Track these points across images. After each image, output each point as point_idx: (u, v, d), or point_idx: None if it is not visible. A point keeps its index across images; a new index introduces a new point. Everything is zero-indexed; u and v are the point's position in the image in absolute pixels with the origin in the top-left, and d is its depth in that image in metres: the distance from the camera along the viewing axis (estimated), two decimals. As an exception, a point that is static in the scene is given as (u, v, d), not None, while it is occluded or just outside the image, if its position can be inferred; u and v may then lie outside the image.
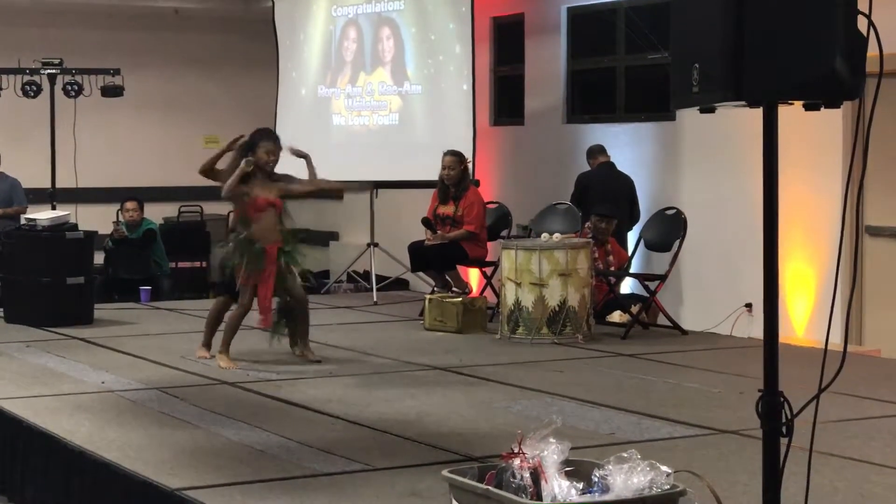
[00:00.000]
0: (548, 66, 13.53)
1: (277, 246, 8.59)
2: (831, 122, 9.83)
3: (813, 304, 10.54)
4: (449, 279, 11.37)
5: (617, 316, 11.00)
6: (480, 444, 6.22)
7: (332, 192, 9.11)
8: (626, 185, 11.90)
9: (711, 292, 11.48)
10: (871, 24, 3.76)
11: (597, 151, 12.14)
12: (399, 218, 13.79)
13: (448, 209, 11.26)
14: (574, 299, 9.76)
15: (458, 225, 11.17)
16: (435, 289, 11.34)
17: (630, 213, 11.78)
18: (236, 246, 8.63)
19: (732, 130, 10.83)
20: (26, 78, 13.97)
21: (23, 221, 11.75)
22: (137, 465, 5.82)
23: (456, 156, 11.31)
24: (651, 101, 12.43)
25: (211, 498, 5.29)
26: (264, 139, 8.71)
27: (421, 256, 11.35)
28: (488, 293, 11.43)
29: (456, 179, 11.22)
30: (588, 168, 12.17)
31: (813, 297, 10.53)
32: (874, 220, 10.23)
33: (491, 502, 4.20)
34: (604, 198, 11.30)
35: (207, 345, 9.07)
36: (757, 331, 9.96)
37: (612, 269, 10.78)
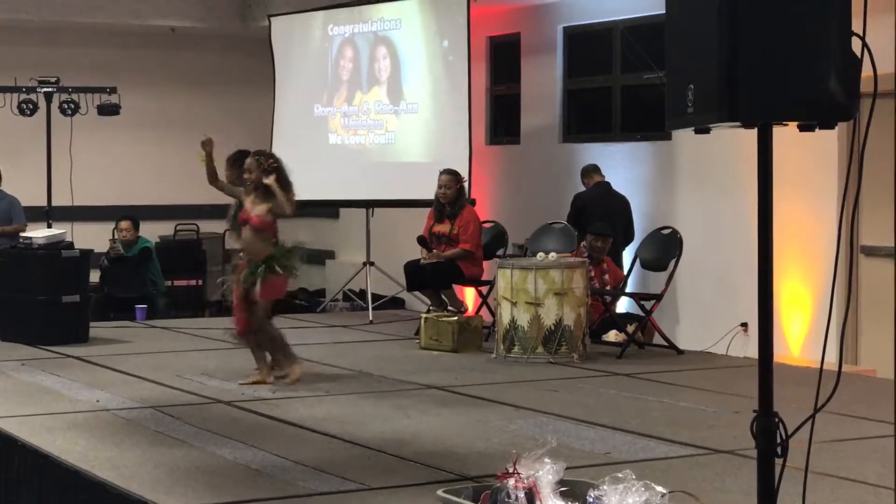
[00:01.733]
0: (544, 85, 13.56)
1: (247, 261, 8.61)
2: (826, 143, 9.85)
3: (808, 323, 10.54)
4: (445, 298, 11.37)
5: (613, 335, 10.99)
6: (475, 464, 6.21)
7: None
8: (621, 205, 11.92)
9: (707, 312, 11.48)
10: (864, 45, 3.77)
11: (591, 171, 12.16)
12: (395, 237, 13.79)
13: (444, 228, 11.26)
14: (570, 318, 9.75)
15: (454, 244, 11.17)
16: (431, 308, 11.33)
17: (625, 233, 11.79)
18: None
19: (728, 150, 10.85)
20: (23, 96, 14.00)
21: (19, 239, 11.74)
22: (132, 485, 5.80)
23: (452, 175, 11.33)
24: (647, 121, 12.44)
25: (205, 517, 5.29)
26: (247, 156, 8.90)
27: (417, 275, 11.34)
28: (484, 312, 11.43)
29: (452, 198, 11.23)
30: (583, 187, 12.18)
31: (808, 316, 10.54)
32: (869, 239, 10.24)
33: (486, 522, 4.19)
34: (600, 217, 11.31)
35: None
36: (753, 350, 9.92)
37: (608, 287, 10.78)
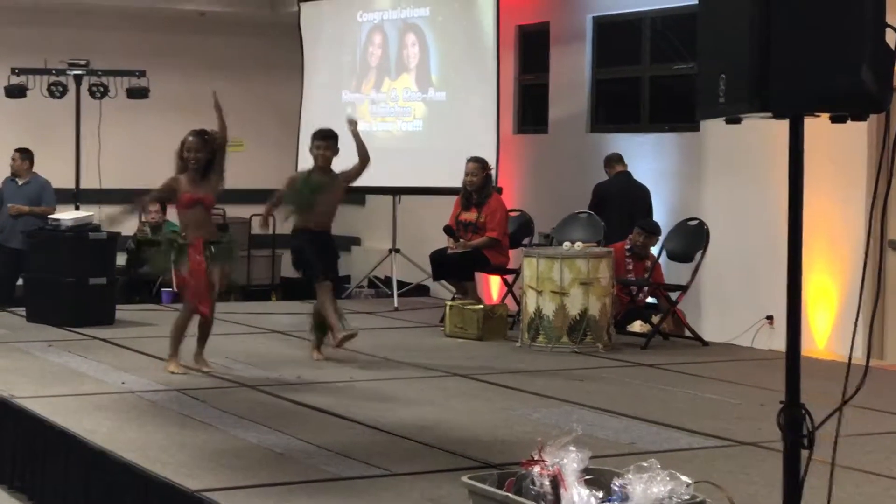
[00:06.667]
0: (572, 74, 13.53)
1: (204, 239, 8.49)
2: (856, 135, 9.81)
3: (834, 317, 10.50)
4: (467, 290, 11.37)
5: (637, 326, 10.98)
6: (499, 451, 6.22)
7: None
8: (641, 194, 11.89)
9: (732, 304, 11.45)
10: (899, 37, 3.76)
11: (614, 160, 12.13)
12: (421, 224, 13.79)
13: (471, 216, 11.25)
14: (595, 308, 9.75)
15: (481, 232, 11.16)
16: (456, 296, 11.34)
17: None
18: (164, 247, 8.59)
19: (756, 142, 10.81)
20: (52, 79, 14.05)
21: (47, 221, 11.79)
22: (157, 467, 5.83)
23: (479, 163, 11.31)
24: (675, 112, 12.41)
25: (230, 500, 5.30)
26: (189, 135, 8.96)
27: (443, 266, 11.33)
28: (509, 301, 11.43)
29: (478, 186, 11.22)
30: (605, 176, 12.16)
31: (834, 310, 10.50)
32: (897, 234, 10.19)
33: (510, 509, 4.20)
34: (621, 208, 11.29)
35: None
36: (777, 343, 9.93)
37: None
